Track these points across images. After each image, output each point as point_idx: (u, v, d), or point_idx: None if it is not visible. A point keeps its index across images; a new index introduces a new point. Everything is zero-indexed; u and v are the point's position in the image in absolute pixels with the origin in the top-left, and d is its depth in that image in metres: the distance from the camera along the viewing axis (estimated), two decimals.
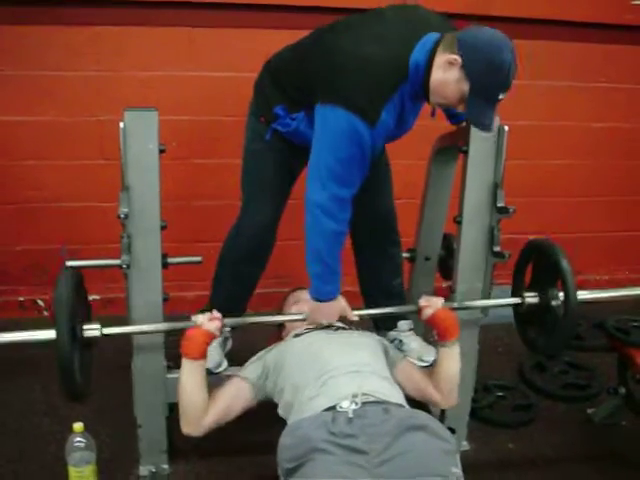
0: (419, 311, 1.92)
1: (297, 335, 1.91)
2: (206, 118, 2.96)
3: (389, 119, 1.71)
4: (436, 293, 2.65)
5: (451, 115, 2.16)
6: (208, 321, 1.78)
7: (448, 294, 2.14)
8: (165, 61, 2.87)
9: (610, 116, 3.42)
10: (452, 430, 1.65)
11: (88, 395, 1.78)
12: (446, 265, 2.42)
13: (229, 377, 1.92)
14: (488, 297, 2.14)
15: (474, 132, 1.96)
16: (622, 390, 2.37)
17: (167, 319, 1.97)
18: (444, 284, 2.44)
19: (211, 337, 1.78)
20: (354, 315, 1.95)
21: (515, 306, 2.16)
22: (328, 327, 1.93)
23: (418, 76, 1.67)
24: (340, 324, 1.96)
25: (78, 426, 1.91)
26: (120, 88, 2.83)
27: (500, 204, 2.00)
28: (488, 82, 1.59)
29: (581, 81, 3.32)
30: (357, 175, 1.74)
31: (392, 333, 2.26)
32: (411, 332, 2.28)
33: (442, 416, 2.22)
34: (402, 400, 1.63)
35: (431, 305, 1.88)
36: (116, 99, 2.57)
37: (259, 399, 1.84)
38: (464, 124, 2.05)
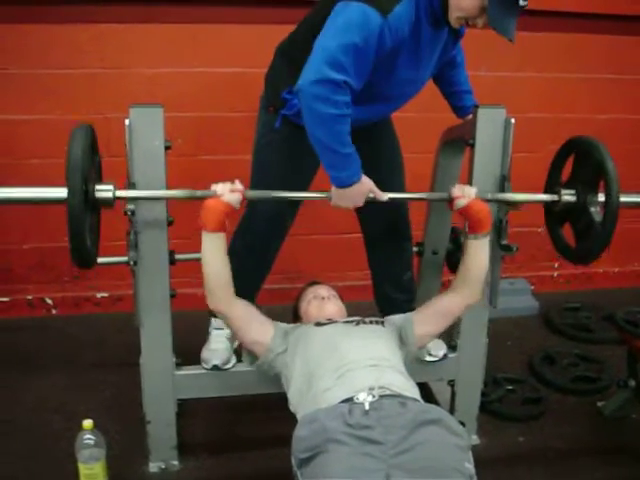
0: (451, 201, 1.85)
1: (318, 324, 1.87)
2: (212, 114, 2.95)
3: (404, 21, 1.66)
4: (444, 287, 2.67)
5: (458, 107, 2.15)
6: (229, 192, 1.71)
7: None
8: (170, 58, 2.87)
9: (615, 107, 3.40)
10: (462, 424, 1.65)
11: (94, 263, 1.75)
12: (454, 259, 2.40)
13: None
14: (497, 289, 2.12)
15: (480, 125, 1.95)
16: (632, 383, 2.36)
17: (175, 315, 1.97)
18: (452, 278, 2.43)
19: (231, 208, 1.71)
20: (384, 195, 1.85)
21: (549, 204, 2.03)
22: (349, 322, 1.89)
23: None
24: (359, 318, 1.93)
25: (87, 423, 1.92)
26: (126, 85, 2.83)
27: None
28: None
29: (586, 72, 3.30)
30: (356, 68, 1.64)
31: None
32: None
33: (452, 410, 2.22)
34: (417, 394, 1.63)
35: (465, 195, 1.82)
36: (122, 96, 2.56)
37: (263, 361, 1.83)
38: (470, 117, 2.04)
